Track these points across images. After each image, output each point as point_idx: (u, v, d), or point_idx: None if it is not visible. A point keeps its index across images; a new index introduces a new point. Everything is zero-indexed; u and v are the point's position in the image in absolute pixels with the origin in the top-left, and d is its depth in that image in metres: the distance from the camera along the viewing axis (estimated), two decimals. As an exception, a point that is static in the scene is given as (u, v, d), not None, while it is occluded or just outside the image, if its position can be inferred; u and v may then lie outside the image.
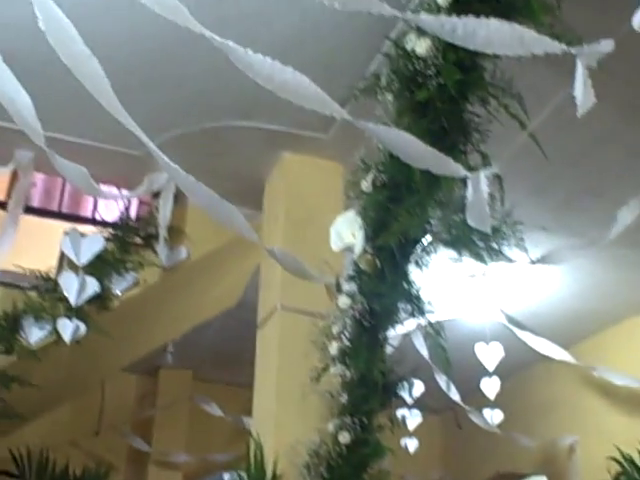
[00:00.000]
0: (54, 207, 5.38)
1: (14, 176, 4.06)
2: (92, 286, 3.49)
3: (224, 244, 3.96)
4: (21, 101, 2.09)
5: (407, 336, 4.17)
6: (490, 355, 4.45)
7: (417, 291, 2.59)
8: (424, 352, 4.15)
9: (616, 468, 4.32)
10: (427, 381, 4.41)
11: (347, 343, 2.64)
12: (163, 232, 3.65)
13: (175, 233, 3.82)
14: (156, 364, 5.91)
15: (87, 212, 5.32)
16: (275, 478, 2.74)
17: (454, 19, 1.62)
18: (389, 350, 3.99)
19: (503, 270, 4.26)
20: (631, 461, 4.25)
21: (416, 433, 4.99)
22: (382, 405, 2.62)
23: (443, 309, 4.33)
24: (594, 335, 5.01)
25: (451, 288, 4.33)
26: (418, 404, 4.80)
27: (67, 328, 3.49)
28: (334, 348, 2.64)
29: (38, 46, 2.14)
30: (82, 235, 3.60)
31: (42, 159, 2.81)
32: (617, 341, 4.87)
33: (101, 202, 5.15)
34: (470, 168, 2.26)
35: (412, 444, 4.84)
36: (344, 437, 2.53)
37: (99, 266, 3.58)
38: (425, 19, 1.66)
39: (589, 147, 3.41)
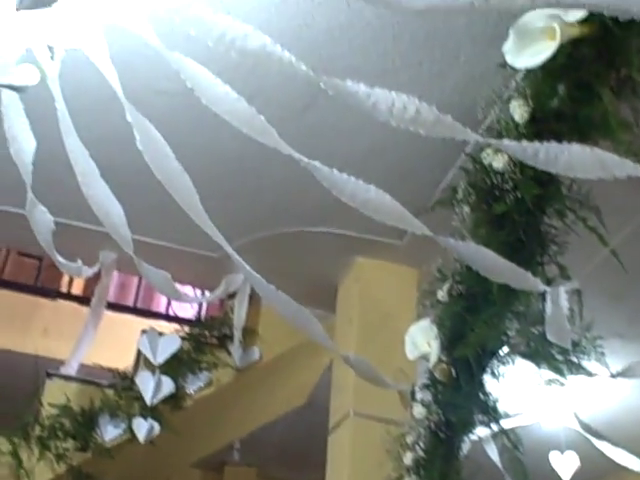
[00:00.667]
0: (129, 302, 5.52)
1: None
2: (167, 386, 3.55)
3: (295, 345, 3.99)
4: (115, 213, 2.21)
5: (482, 445, 4.09)
6: (565, 464, 4.31)
7: (494, 402, 2.56)
8: (498, 461, 4.05)
9: None
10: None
11: (421, 454, 2.61)
12: (238, 333, 3.71)
13: (248, 334, 3.88)
14: (222, 460, 5.89)
15: (161, 307, 5.44)
16: None
17: (536, 144, 1.66)
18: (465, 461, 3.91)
19: (581, 380, 4.17)
20: None
21: None
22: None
23: (518, 415, 4.26)
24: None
25: (526, 394, 4.25)
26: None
27: (142, 427, 3.53)
28: (408, 458, 2.62)
29: (129, 158, 2.27)
30: (159, 334, 3.69)
31: (124, 259, 2.93)
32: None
33: (175, 298, 5.27)
34: (548, 280, 2.26)
35: None
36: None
37: (174, 365, 3.64)
38: (508, 144, 1.71)
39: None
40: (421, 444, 2.62)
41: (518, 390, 4.22)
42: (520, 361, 2.60)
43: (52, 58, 1.70)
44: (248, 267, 2.49)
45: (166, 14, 1.67)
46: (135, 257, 2.44)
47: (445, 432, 2.58)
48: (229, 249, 2.45)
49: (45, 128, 2.07)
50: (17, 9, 1.44)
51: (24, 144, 2.02)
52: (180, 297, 2.83)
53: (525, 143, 1.68)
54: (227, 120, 1.79)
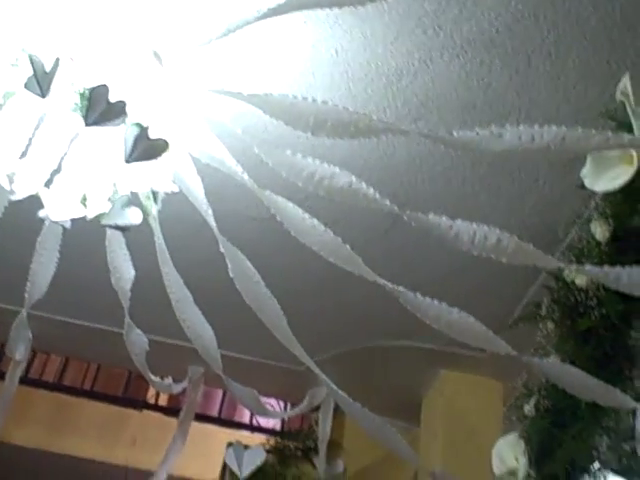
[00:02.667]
0: (214, 412, 5.59)
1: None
2: (252, 494, 3.56)
3: (380, 458, 3.96)
4: (206, 336, 2.31)
5: None
6: None
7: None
8: None
9: None
10: None
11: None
12: (323, 446, 3.71)
13: (333, 446, 3.87)
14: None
15: (245, 417, 5.48)
16: None
17: (618, 269, 1.70)
18: None
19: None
20: None
21: None
22: None
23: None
24: None
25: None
26: None
27: (230, 542, 3.54)
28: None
29: (220, 279, 2.38)
30: (245, 447, 3.73)
31: (210, 373, 3.02)
32: None
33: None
34: (638, 397, 2.24)
35: None
36: None
37: (260, 478, 3.66)
38: (590, 269, 1.75)
39: None
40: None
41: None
42: (614, 478, 2.55)
43: (155, 201, 1.84)
44: (332, 384, 2.55)
45: (258, 156, 1.79)
46: (223, 375, 2.52)
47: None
48: (314, 367, 2.51)
49: (144, 255, 2.20)
50: (126, 162, 1.58)
51: (124, 274, 2.15)
52: (266, 413, 2.89)
53: (607, 268, 1.71)
54: (315, 250, 1.88)
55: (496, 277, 2.89)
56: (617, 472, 2.50)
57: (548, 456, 2.54)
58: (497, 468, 2.72)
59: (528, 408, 2.64)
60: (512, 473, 2.68)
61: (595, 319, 2.33)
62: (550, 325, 2.48)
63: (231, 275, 2.11)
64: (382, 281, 1.88)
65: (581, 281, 2.31)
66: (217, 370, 2.44)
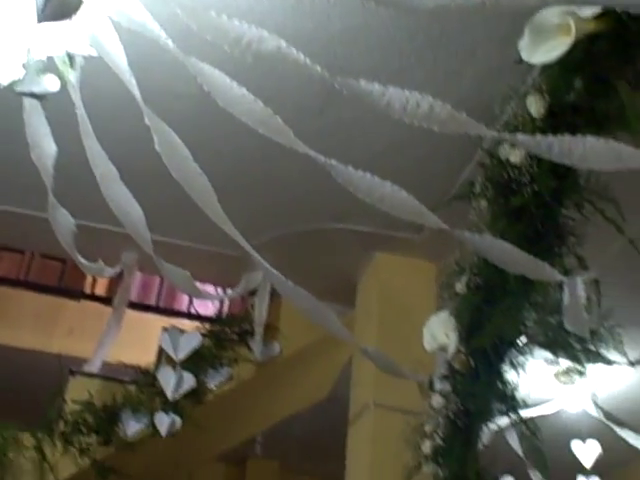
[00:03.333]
0: (152, 301, 5.58)
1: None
2: (188, 381, 3.59)
3: (315, 340, 4.02)
4: (134, 212, 2.24)
5: (501, 434, 4.11)
6: (587, 452, 4.32)
7: (512, 391, 2.59)
8: (518, 450, 4.07)
9: None
10: (520, 477, 4.30)
11: (440, 442, 2.64)
12: (259, 329, 3.75)
13: (269, 329, 3.92)
14: (244, 454, 5.95)
15: (183, 306, 5.49)
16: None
17: (550, 138, 1.68)
18: (483, 449, 3.94)
19: (602, 368, 4.18)
20: None
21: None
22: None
23: (538, 404, 4.27)
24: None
25: (546, 383, 4.26)
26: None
27: (164, 422, 3.59)
28: (427, 447, 2.65)
29: (148, 160, 2.30)
30: (181, 332, 3.74)
31: (145, 259, 2.97)
32: None
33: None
34: (566, 271, 2.28)
35: None
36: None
37: (195, 361, 3.69)
38: (522, 139, 1.73)
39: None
40: (440, 433, 2.65)
41: (539, 379, 4.25)
42: (540, 351, 2.63)
43: (72, 66, 1.74)
44: (266, 264, 2.53)
45: (182, 20, 1.69)
46: (155, 257, 2.48)
47: (463, 421, 2.61)
48: (248, 247, 2.48)
49: (65, 132, 2.10)
50: (38, 21, 1.47)
51: (45, 149, 2.05)
52: (201, 295, 2.86)
53: (539, 137, 1.70)
54: (244, 121, 1.82)
55: (431, 157, 2.88)
56: (543, 345, 2.58)
57: (477, 331, 2.59)
58: (428, 344, 2.78)
59: (459, 286, 2.68)
60: (443, 349, 2.74)
61: (527, 196, 2.35)
62: (483, 203, 2.49)
63: (158, 149, 2.03)
64: (313, 153, 1.84)
65: (515, 158, 2.31)
66: (148, 251, 2.38)
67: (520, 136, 1.75)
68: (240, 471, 6.16)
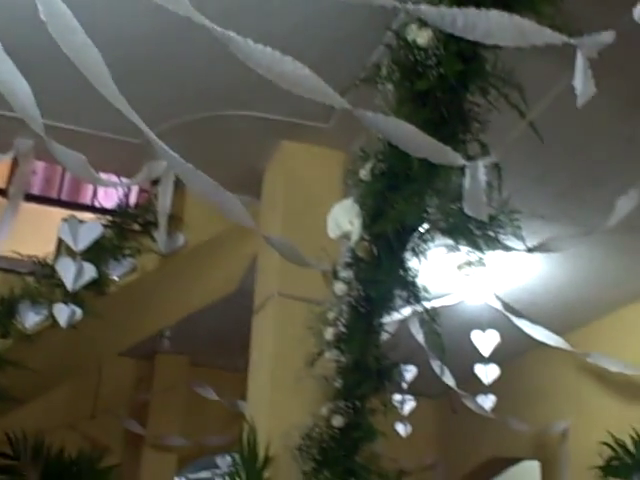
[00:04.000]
0: (54, 195, 5.38)
1: (14, 164, 4.06)
2: (89, 271, 3.50)
3: (222, 231, 3.97)
4: (21, 89, 2.10)
5: (403, 322, 4.20)
6: (486, 342, 4.48)
7: (413, 278, 2.61)
8: (420, 338, 4.18)
9: (608, 453, 4.37)
10: (422, 367, 4.45)
11: (342, 329, 2.67)
12: (162, 219, 3.66)
13: (173, 221, 3.83)
14: (153, 349, 5.95)
15: (86, 200, 5.32)
16: (267, 461, 2.78)
17: (454, 10, 1.63)
18: (385, 336, 4.03)
19: (502, 258, 4.29)
20: (623, 447, 4.30)
21: (411, 418, 5.03)
22: (375, 390, 2.65)
23: (440, 296, 4.37)
24: (590, 323, 5.04)
25: (448, 275, 4.35)
26: (413, 389, 4.84)
27: (63, 313, 3.50)
28: (329, 333, 2.67)
29: (39, 38, 2.15)
30: (80, 222, 3.61)
31: (42, 147, 2.82)
32: (613, 329, 4.90)
33: (100, 190, 5.14)
34: (469, 157, 2.27)
35: (405, 428, 4.88)
36: (337, 420, 2.57)
37: (96, 252, 3.59)
38: (425, 10, 1.67)
39: (589, 138, 3.42)
40: (342, 320, 2.67)
41: (442, 271, 4.33)
42: (444, 246, 2.65)
43: None
44: (170, 151, 2.43)
45: None
46: (47, 139, 2.35)
47: (365, 307, 2.63)
48: (148, 132, 2.37)
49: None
50: None
51: None
52: (97, 180, 2.76)
53: (444, 9, 1.64)
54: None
55: (340, 39, 2.80)
56: (444, 232, 2.59)
57: (380, 218, 2.59)
58: (332, 232, 2.76)
59: (364, 173, 2.64)
60: (346, 236, 2.73)
61: (433, 80, 2.30)
62: (389, 87, 2.44)
63: (43, 18, 1.88)
64: (209, 23, 1.74)
65: (422, 40, 2.24)
66: (39, 131, 2.25)
67: (424, 7, 1.69)
68: (149, 366, 6.17)
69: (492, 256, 4.03)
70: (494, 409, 4.80)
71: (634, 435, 4.29)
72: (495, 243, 2.48)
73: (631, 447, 4.28)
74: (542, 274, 4.65)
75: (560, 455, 5.06)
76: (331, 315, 2.74)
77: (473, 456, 6.04)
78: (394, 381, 2.81)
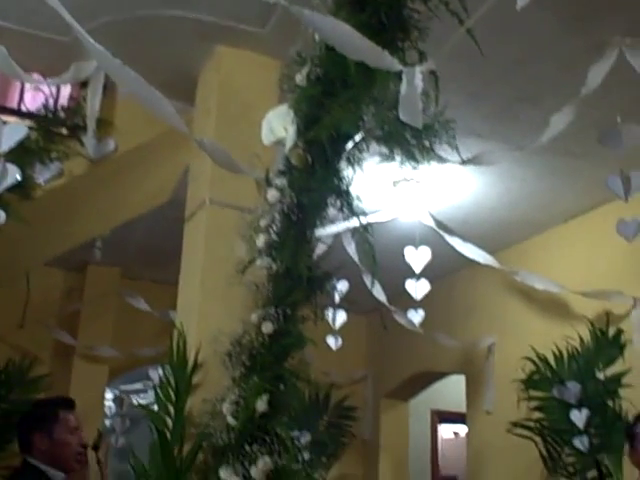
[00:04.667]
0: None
1: None
2: (13, 173, 3.37)
3: (154, 138, 3.87)
4: None
5: (337, 238, 4.21)
6: (418, 258, 4.52)
7: (347, 186, 2.59)
8: (352, 252, 4.20)
9: (531, 367, 4.52)
10: (355, 283, 4.49)
11: (274, 237, 2.64)
12: (91, 122, 3.54)
13: (103, 125, 3.71)
14: (84, 260, 5.85)
15: (13, 104, 5.10)
16: (197, 367, 2.78)
17: None
18: (320, 249, 4.03)
19: (436, 176, 4.30)
20: (545, 361, 4.45)
21: (342, 333, 5.09)
22: (306, 298, 2.65)
23: (374, 212, 4.38)
24: (520, 243, 5.14)
25: (382, 192, 4.36)
26: (345, 305, 4.89)
27: (-15, 215, 3.38)
28: (261, 241, 2.65)
29: None
30: (3, 123, 3.46)
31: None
32: (541, 249, 5.01)
33: (28, 95, 4.93)
34: (407, 65, 2.24)
35: (336, 342, 4.95)
36: (267, 327, 2.56)
37: (21, 154, 3.45)
38: None
39: (525, 55, 3.40)
40: (274, 227, 2.65)
41: (377, 188, 4.33)
42: (379, 155, 2.62)
43: None
44: (100, 47, 2.33)
45: None
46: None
47: (298, 215, 2.60)
48: (77, 27, 2.26)
49: None
50: None
51: None
52: (18, 75, 2.63)
53: None
54: None
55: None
56: (379, 140, 2.57)
57: (316, 125, 2.54)
58: (266, 138, 2.71)
59: (300, 78, 2.58)
60: (280, 143, 2.68)
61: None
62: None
63: None
64: None
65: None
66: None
67: None
68: (80, 277, 6.07)
69: (427, 174, 4.06)
70: (424, 325, 4.89)
71: (555, 351, 4.43)
72: (430, 153, 2.47)
73: (552, 362, 4.43)
74: (475, 193, 4.70)
75: (485, 369, 5.23)
76: (263, 222, 2.71)
77: (402, 370, 6.20)
78: (325, 290, 2.82)
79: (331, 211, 2.77)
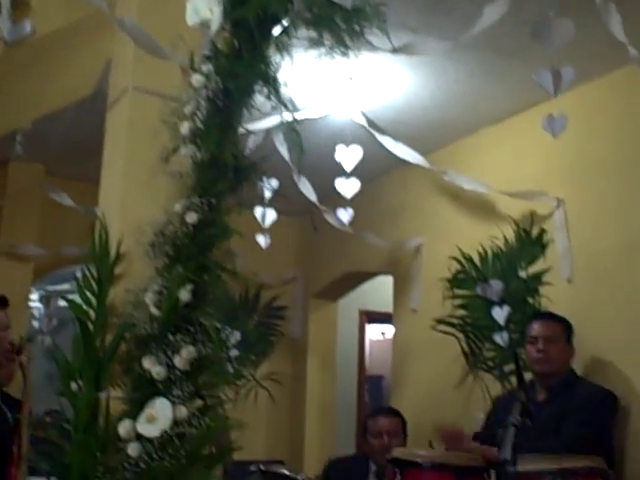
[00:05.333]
0: None
1: None
2: None
3: (74, 22, 3.67)
4: None
5: (269, 137, 4.14)
6: (349, 157, 4.49)
7: (274, 73, 2.52)
8: (283, 151, 4.14)
9: (456, 267, 4.60)
10: (287, 185, 4.45)
11: (199, 124, 2.57)
12: (5, 2, 3.33)
13: (18, 5, 3.50)
14: (5, 156, 5.63)
15: None
16: (119, 257, 2.72)
17: None
18: (251, 142, 3.96)
19: (368, 73, 4.22)
20: (470, 260, 4.53)
21: (274, 235, 5.07)
22: (232, 188, 2.61)
23: (306, 108, 4.30)
24: (449, 144, 5.14)
25: (314, 88, 4.28)
26: (275, 206, 4.85)
27: None
28: (185, 128, 2.57)
29: None
30: None
31: None
32: (470, 150, 5.03)
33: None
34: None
35: (265, 240, 4.93)
36: (191, 217, 2.52)
37: None
38: None
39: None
40: (199, 114, 2.57)
41: (308, 84, 4.24)
42: (308, 40, 2.54)
43: None
44: None
45: None
46: None
47: (223, 101, 2.53)
48: None
49: None
50: None
51: None
52: None
53: None
54: None
55: None
56: (308, 23, 2.49)
57: (242, 4, 2.45)
58: (190, 19, 2.60)
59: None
60: (206, 24, 2.58)
61: None
62: None
63: None
64: None
65: None
66: None
67: None
68: (1, 174, 5.86)
69: (359, 70, 3.99)
70: (353, 226, 4.90)
71: (481, 250, 4.51)
72: (360, 39, 2.41)
73: (477, 261, 4.52)
74: (407, 93, 4.64)
75: (413, 269, 5.30)
76: (187, 109, 2.63)
77: (331, 271, 6.25)
78: (252, 181, 2.77)
79: (258, 99, 2.70)
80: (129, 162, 2.91)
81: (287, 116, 2.79)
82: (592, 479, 3.07)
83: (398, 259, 5.46)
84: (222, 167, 2.58)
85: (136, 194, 2.82)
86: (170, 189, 2.64)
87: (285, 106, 2.76)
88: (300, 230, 6.58)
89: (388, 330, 7.49)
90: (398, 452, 3.49)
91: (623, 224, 3.90)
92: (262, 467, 3.64)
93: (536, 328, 3.71)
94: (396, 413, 4.30)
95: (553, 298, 4.13)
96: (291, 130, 3.63)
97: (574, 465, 3.06)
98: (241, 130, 2.89)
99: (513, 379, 4.05)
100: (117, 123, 3.08)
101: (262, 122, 3.80)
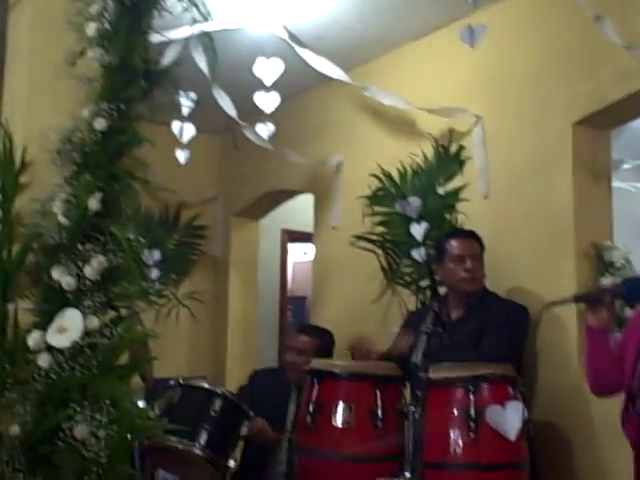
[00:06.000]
0: None
1: None
2: None
3: None
4: None
5: (186, 50, 3.99)
6: (269, 70, 4.39)
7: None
8: (201, 61, 4.01)
9: (376, 184, 4.62)
10: (206, 100, 4.34)
11: (107, 25, 2.46)
12: None
13: None
14: None
15: None
16: (24, 166, 2.62)
17: None
18: (170, 55, 3.82)
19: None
20: (389, 177, 4.55)
21: (194, 154, 4.98)
22: (143, 95, 2.52)
23: (224, 17, 4.17)
24: (371, 60, 5.08)
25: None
26: (194, 122, 4.74)
27: None
28: (92, 29, 2.46)
29: None
30: None
31: None
32: (392, 66, 4.98)
33: None
34: None
35: (184, 155, 4.83)
36: (100, 124, 2.43)
37: None
38: None
39: None
40: (106, 15, 2.46)
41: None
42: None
43: None
44: None
45: None
46: None
47: (132, 1, 2.42)
48: None
49: None
50: None
51: None
52: None
53: None
54: None
55: None
56: None
57: None
58: None
59: None
60: None
61: None
62: None
63: None
64: None
65: None
66: None
67: None
68: None
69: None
70: (274, 144, 4.84)
71: (400, 168, 4.53)
72: None
73: (397, 178, 4.53)
74: (331, 8, 4.54)
75: (333, 187, 5.29)
76: (94, 9, 2.51)
77: (253, 190, 6.19)
78: (165, 89, 2.69)
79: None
80: (33, 66, 2.77)
81: (201, 21, 2.69)
82: (502, 384, 3.17)
83: (319, 177, 5.44)
84: (132, 72, 2.49)
85: (41, 99, 2.70)
86: (77, 94, 2.54)
87: (197, 7, 2.67)
88: (221, 148, 6.48)
89: (310, 249, 7.52)
90: (316, 363, 3.54)
91: (539, 140, 3.95)
92: (181, 381, 3.65)
93: (462, 247, 3.68)
94: (315, 333, 4.21)
95: (470, 214, 4.19)
96: (204, 35, 3.52)
97: (485, 372, 3.15)
98: (158, 38, 2.79)
99: (429, 293, 4.13)
100: (20, 24, 2.92)
101: (178, 31, 3.67)
